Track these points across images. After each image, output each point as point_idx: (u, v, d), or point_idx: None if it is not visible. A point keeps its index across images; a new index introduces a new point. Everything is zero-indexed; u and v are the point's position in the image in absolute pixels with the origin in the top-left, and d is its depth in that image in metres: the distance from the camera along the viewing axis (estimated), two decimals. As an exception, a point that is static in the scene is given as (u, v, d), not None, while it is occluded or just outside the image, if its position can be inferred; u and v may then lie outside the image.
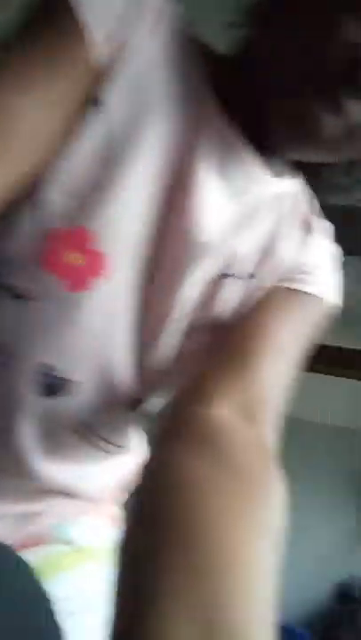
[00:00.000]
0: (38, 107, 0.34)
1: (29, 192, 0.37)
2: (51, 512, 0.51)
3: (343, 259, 0.60)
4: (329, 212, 0.54)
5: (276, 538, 0.30)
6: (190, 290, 0.44)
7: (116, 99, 0.38)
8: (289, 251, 0.50)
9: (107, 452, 0.51)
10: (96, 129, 0.38)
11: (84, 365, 0.43)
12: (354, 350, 3.51)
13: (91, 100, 0.38)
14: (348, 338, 3.63)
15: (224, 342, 0.44)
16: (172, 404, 0.41)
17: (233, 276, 0.46)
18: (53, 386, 0.42)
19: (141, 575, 0.25)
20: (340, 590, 4.12)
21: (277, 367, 0.44)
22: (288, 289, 0.48)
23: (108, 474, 0.55)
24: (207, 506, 0.28)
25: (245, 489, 0.30)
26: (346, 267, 0.57)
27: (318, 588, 4.39)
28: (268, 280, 0.49)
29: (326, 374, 3.71)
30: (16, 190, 0.35)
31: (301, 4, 0.37)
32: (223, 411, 0.36)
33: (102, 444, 0.49)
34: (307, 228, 0.52)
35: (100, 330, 0.42)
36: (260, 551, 0.28)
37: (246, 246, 0.47)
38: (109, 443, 0.50)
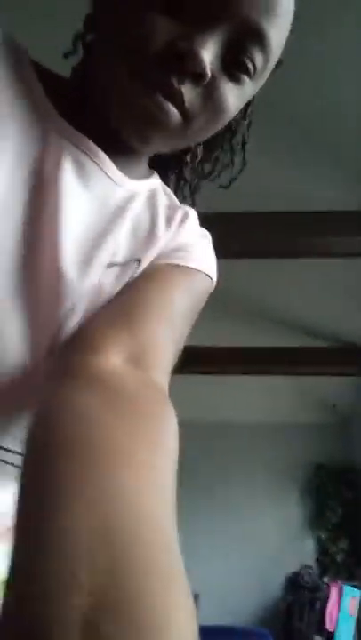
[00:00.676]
0: None
1: None
2: None
3: None
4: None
5: (173, 457, 0.31)
6: (77, 284, 0.44)
7: None
8: (167, 235, 0.53)
9: (15, 465, 0.47)
10: None
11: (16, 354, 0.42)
12: (274, 348, 3.62)
13: None
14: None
15: (110, 304, 0.46)
16: (62, 352, 0.41)
17: (119, 264, 0.48)
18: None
19: (41, 488, 0.25)
20: (291, 581, 4.25)
21: (162, 325, 0.45)
22: (170, 264, 0.51)
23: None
24: (105, 431, 0.29)
25: (140, 418, 0.32)
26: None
27: (272, 585, 4.49)
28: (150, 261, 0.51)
29: (259, 374, 3.81)
30: None
31: (121, 11, 0.42)
32: (113, 358, 0.38)
33: (9, 456, 0.45)
34: (177, 215, 0.55)
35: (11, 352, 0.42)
36: (157, 458, 0.29)
37: (124, 237, 0.49)
38: (15, 452, 0.46)
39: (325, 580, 3.94)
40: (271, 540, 4.32)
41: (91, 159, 0.46)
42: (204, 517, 3.76)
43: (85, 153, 0.45)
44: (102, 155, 0.46)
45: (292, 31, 0.47)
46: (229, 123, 0.52)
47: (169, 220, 0.53)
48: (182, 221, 0.55)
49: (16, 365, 0.42)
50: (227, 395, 4.13)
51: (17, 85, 0.43)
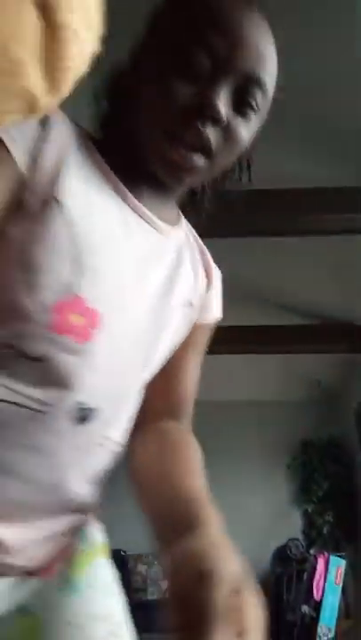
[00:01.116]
0: None
1: (19, 279, 0.50)
2: (72, 529, 0.61)
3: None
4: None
5: (200, 457, 0.63)
6: (173, 320, 0.64)
7: (69, 198, 0.52)
8: (202, 275, 0.70)
9: (115, 452, 0.62)
10: (58, 222, 0.50)
11: (105, 394, 0.56)
12: (260, 327, 3.65)
13: (52, 199, 0.51)
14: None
15: (161, 374, 0.67)
16: (138, 417, 0.64)
17: (182, 305, 0.65)
18: (84, 416, 0.54)
19: (157, 469, 0.60)
20: (279, 554, 4.36)
21: (191, 384, 0.72)
22: (198, 326, 0.71)
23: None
24: (169, 452, 0.62)
25: (183, 443, 0.64)
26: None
27: (260, 558, 4.60)
28: (197, 307, 0.69)
29: (245, 353, 3.84)
30: None
31: (145, 78, 0.55)
32: (162, 420, 0.68)
33: (115, 446, 0.61)
34: (203, 253, 0.72)
35: (111, 366, 0.55)
36: (196, 458, 0.62)
37: (186, 278, 0.66)
38: (119, 444, 0.62)
39: (312, 551, 4.04)
40: (259, 514, 4.41)
41: (145, 220, 0.60)
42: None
43: (140, 216, 0.59)
44: (152, 216, 0.60)
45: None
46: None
47: (202, 267, 0.71)
48: (211, 269, 0.73)
49: (129, 378, 0.61)
50: (213, 373, 4.14)
51: (89, 163, 0.56)
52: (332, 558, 3.87)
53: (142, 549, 4.05)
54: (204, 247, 0.73)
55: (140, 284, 0.58)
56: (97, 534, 0.66)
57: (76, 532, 0.61)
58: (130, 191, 0.58)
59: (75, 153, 0.54)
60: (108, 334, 0.54)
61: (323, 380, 4.67)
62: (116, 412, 0.58)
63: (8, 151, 0.49)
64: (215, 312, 0.74)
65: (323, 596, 3.72)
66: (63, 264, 0.50)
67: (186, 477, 0.56)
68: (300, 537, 4.25)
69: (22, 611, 0.55)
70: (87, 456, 0.56)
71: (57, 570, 0.59)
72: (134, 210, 0.58)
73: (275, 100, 0.62)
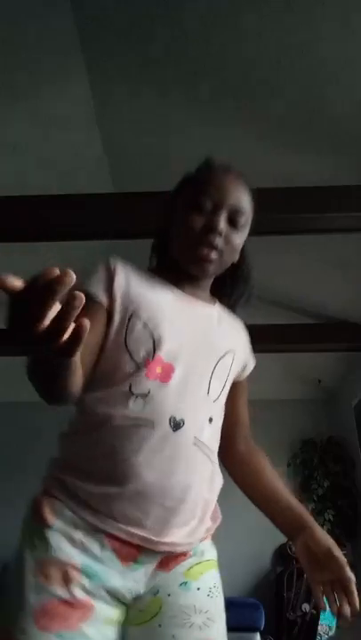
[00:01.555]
0: (92, 335, 0.81)
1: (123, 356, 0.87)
2: (190, 534, 0.87)
3: None
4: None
5: (270, 465, 1.03)
6: (221, 359, 0.96)
7: (135, 303, 0.90)
8: (240, 335, 1.09)
9: (213, 462, 0.90)
10: (134, 320, 0.88)
11: (186, 409, 0.85)
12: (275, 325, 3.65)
13: (127, 309, 0.88)
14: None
15: (229, 415, 1.00)
16: (223, 443, 0.96)
17: (226, 352, 0.98)
18: (177, 424, 0.83)
19: (254, 482, 1.04)
20: (280, 552, 4.36)
21: (247, 414, 1.09)
22: (241, 383, 1.08)
23: (214, 494, 0.95)
24: (267, 471, 1.03)
25: (262, 462, 1.04)
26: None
27: (262, 557, 4.61)
28: (242, 355, 1.07)
29: (256, 352, 3.83)
30: (89, 368, 0.84)
31: (177, 222, 0.96)
32: (240, 444, 1.05)
33: (209, 452, 0.89)
34: (238, 323, 1.11)
35: (186, 392, 0.86)
36: (277, 478, 1.02)
37: (227, 334, 1.04)
38: (212, 451, 0.90)
39: (313, 550, 4.05)
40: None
41: (188, 299, 0.97)
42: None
43: (185, 297, 0.97)
44: (192, 297, 0.98)
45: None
46: (239, 262, 1.05)
47: (239, 325, 1.10)
48: (243, 327, 1.12)
49: (199, 399, 0.90)
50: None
51: (146, 277, 0.95)
52: (333, 557, 3.88)
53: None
54: (238, 319, 1.11)
55: (194, 339, 0.92)
56: (210, 551, 0.93)
57: (195, 544, 0.87)
58: (176, 287, 0.97)
59: (136, 277, 0.93)
60: (180, 374, 0.87)
61: (323, 378, 4.67)
62: (196, 420, 0.86)
63: (94, 300, 0.86)
64: (252, 361, 1.13)
65: (323, 594, 3.73)
66: (145, 341, 0.86)
67: (285, 492, 1.02)
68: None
69: (154, 593, 0.81)
70: (190, 453, 0.84)
71: (173, 567, 0.84)
72: (181, 294, 0.96)
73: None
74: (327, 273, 3.28)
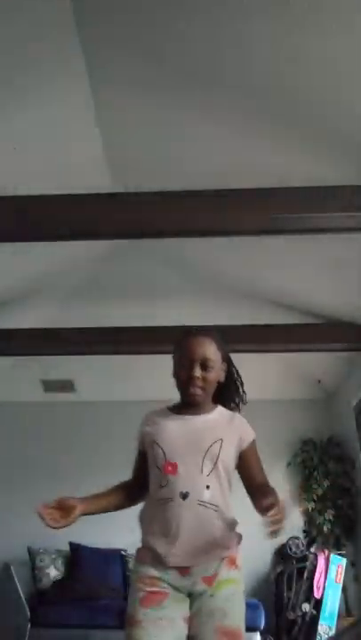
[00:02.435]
0: (142, 468, 1.52)
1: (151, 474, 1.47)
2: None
3: None
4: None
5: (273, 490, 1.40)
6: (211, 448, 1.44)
7: (155, 436, 1.51)
8: (232, 426, 1.51)
9: (216, 510, 1.40)
10: (155, 446, 1.46)
11: (188, 485, 1.38)
12: (276, 326, 3.65)
13: (150, 445, 1.48)
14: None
15: (250, 475, 1.50)
16: (247, 487, 1.49)
17: (217, 441, 1.44)
18: (185, 495, 1.37)
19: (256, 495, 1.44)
20: (280, 552, 4.36)
21: (260, 470, 1.52)
22: (249, 447, 1.51)
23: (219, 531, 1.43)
24: (268, 489, 1.41)
25: (271, 488, 1.41)
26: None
27: (261, 556, 4.60)
28: (235, 439, 1.49)
29: (245, 352, 3.83)
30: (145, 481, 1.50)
31: (175, 377, 1.54)
32: (260, 485, 1.47)
33: (212, 506, 1.39)
34: (235, 418, 1.56)
35: (187, 476, 1.39)
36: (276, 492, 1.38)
37: (215, 431, 1.47)
38: (215, 505, 1.40)
39: (313, 550, 4.05)
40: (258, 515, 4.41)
41: (196, 417, 1.50)
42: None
43: (187, 416, 1.50)
44: (192, 415, 1.49)
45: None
46: (227, 380, 1.57)
47: (231, 419, 1.52)
48: (235, 419, 1.54)
49: (196, 478, 1.40)
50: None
51: (164, 413, 1.54)
52: (333, 557, 3.88)
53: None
54: (232, 414, 1.57)
55: (187, 442, 1.42)
56: (230, 573, 1.42)
57: (220, 568, 1.40)
58: (179, 413, 1.51)
59: (155, 419, 1.51)
60: (182, 466, 1.39)
61: (323, 378, 4.67)
62: (196, 490, 1.37)
63: (138, 451, 1.54)
64: (250, 436, 1.53)
65: (323, 594, 3.73)
66: (159, 454, 1.41)
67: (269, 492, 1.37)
68: (301, 535, 4.25)
69: (190, 595, 1.37)
70: (199, 512, 1.37)
71: (212, 584, 1.37)
72: (177, 417, 1.49)
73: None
74: (327, 273, 3.28)
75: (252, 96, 2.25)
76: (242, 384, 1.63)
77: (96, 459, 4.30)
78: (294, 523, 4.43)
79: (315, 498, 4.34)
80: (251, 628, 3.46)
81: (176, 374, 1.51)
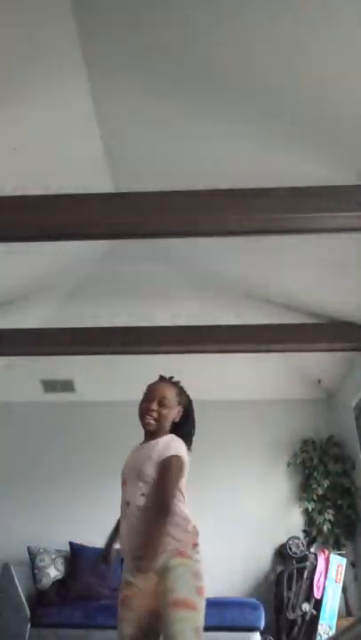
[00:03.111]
0: None
1: None
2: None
3: None
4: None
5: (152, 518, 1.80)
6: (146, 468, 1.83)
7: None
8: (161, 447, 1.86)
9: (145, 512, 1.78)
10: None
11: (130, 497, 1.83)
12: (253, 326, 3.65)
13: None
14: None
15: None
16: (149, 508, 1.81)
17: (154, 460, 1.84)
18: (128, 503, 1.83)
19: None
20: (280, 552, 4.36)
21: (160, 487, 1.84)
22: (163, 460, 1.82)
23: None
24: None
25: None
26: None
27: (262, 557, 4.60)
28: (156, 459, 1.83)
29: (245, 352, 3.83)
30: None
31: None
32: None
33: (143, 508, 1.78)
34: (164, 442, 1.88)
35: (129, 489, 1.84)
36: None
37: (152, 451, 1.87)
38: (145, 508, 1.79)
39: (313, 550, 4.04)
40: (260, 513, 4.41)
41: (148, 445, 1.89)
42: (192, 493, 3.78)
43: (144, 446, 1.91)
44: (149, 445, 1.88)
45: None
46: (181, 422, 1.96)
47: (163, 444, 1.86)
48: (161, 442, 1.87)
49: (135, 490, 1.82)
50: (213, 372, 4.15)
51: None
52: (333, 556, 3.88)
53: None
54: (168, 441, 1.86)
55: (134, 465, 1.85)
56: (177, 559, 1.70)
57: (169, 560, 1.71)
58: (142, 443, 1.92)
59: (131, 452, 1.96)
60: (128, 482, 1.84)
61: (323, 378, 4.67)
62: (134, 499, 1.78)
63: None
64: (165, 454, 1.81)
65: (323, 594, 3.73)
66: (122, 476, 1.92)
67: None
68: (301, 535, 4.25)
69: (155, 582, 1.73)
70: (134, 513, 1.78)
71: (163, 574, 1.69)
72: (138, 447, 1.92)
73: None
74: (327, 273, 3.28)
75: (253, 96, 2.25)
76: (193, 428, 1.97)
77: (96, 459, 4.30)
78: (295, 522, 4.44)
79: (315, 498, 4.34)
80: (251, 628, 3.46)
81: (139, 407, 1.92)
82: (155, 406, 1.87)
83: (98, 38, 2.18)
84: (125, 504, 1.80)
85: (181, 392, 1.95)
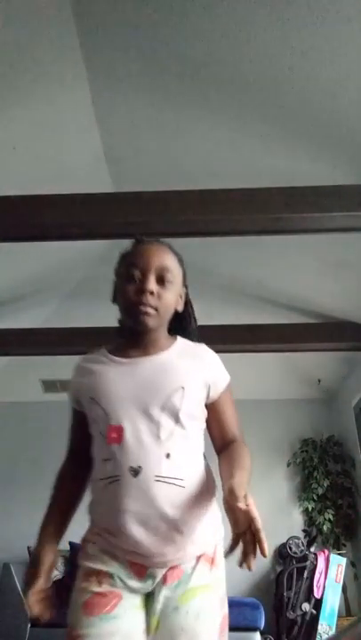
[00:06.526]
0: (79, 433, 1.16)
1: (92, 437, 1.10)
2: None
3: None
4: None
5: (245, 453, 1.10)
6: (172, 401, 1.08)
7: (87, 391, 1.13)
8: (197, 364, 1.15)
9: (182, 486, 1.03)
10: (93, 406, 1.10)
11: (139, 458, 1.01)
12: (268, 325, 3.65)
13: (88, 406, 1.12)
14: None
15: (219, 423, 1.17)
16: (218, 448, 1.16)
17: (178, 388, 1.09)
18: (136, 471, 1.00)
19: (228, 461, 1.06)
20: (280, 552, 4.36)
21: (234, 424, 1.19)
22: (221, 396, 1.16)
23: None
24: (235, 455, 1.09)
25: (242, 449, 1.11)
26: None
27: (262, 558, 4.56)
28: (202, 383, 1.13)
29: (245, 351, 3.83)
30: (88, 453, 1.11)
31: (119, 297, 1.14)
32: (230, 442, 1.15)
33: (174, 480, 1.03)
34: (199, 350, 1.20)
35: (138, 443, 1.03)
36: (248, 458, 1.09)
37: (176, 374, 1.11)
38: (179, 478, 1.03)
39: (313, 549, 4.05)
40: (260, 512, 4.40)
41: (146, 359, 1.14)
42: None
43: (143, 356, 1.14)
44: (147, 356, 1.13)
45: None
46: (184, 312, 1.22)
47: (195, 355, 1.16)
48: (204, 355, 1.17)
49: (149, 446, 1.03)
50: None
51: (99, 357, 1.16)
52: (333, 556, 3.88)
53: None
54: (199, 346, 1.20)
55: (135, 395, 1.05)
56: (204, 577, 1.05)
57: (193, 571, 1.05)
58: (122, 355, 1.13)
59: (86, 371, 1.14)
60: (129, 430, 1.03)
61: (323, 378, 4.67)
62: (150, 462, 1.01)
63: (73, 409, 1.16)
64: (223, 378, 1.18)
65: (323, 594, 3.73)
66: (101, 417, 1.06)
67: (236, 461, 1.05)
68: (301, 535, 4.25)
69: (155, 612, 1.01)
70: (154, 490, 0.99)
71: (172, 582, 1.03)
72: (120, 361, 1.12)
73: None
74: (327, 273, 3.28)
75: (253, 96, 2.25)
76: (195, 320, 1.26)
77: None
78: (295, 522, 4.44)
79: (315, 498, 4.34)
80: (251, 628, 3.46)
81: (120, 292, 1.11)
82: (154, 285, 1.08)
83: (98, 39, 2.18)
84: (130, 471, 1.00)
85: (182, 260, 1.19)
